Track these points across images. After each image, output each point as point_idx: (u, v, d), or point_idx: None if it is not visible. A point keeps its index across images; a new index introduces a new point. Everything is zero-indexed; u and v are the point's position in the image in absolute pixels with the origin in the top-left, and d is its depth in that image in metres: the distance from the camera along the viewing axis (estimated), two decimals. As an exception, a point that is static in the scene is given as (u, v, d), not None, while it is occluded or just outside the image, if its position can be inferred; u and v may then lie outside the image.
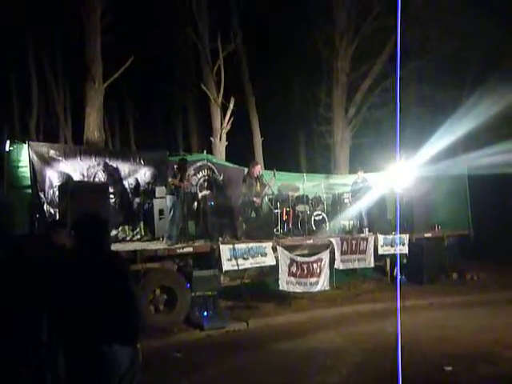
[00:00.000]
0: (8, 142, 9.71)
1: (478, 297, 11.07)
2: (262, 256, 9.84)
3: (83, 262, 3.57)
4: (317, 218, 11.70)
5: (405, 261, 12.30)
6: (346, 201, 12.52)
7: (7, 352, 4.07)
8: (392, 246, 11.85)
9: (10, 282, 4.05)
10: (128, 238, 10.71)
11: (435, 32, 16.44)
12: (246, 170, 11.71)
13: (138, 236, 10.95)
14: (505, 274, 13.01)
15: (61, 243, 4.74)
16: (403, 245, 12.03)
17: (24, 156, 9.85)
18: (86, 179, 10.44)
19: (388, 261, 12.49)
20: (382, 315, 9.06)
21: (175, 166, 9.73)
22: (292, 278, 10.18)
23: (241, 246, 9.59)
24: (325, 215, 11.89)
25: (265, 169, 12.86)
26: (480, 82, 15.75)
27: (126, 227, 10.76)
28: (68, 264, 3.68)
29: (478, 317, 9.14)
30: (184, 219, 9.80)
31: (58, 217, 9.11)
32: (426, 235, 12.75)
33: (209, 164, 12.44)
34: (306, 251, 10.86)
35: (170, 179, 9.60)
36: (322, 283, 10.64)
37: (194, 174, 12.02)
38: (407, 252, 12.12)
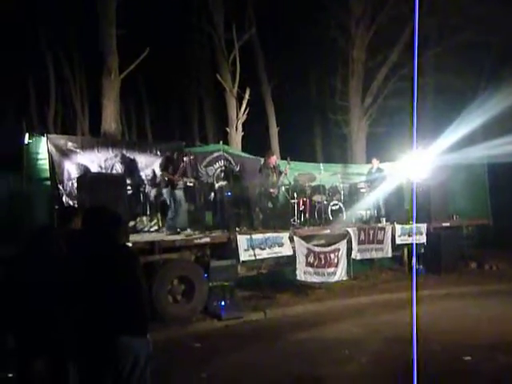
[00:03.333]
0: (27, 134, 9.81)
1: (496, 287, 10.97)
2: (278, 246, 9.84)
3: (91, 255, 3.60)
4: (334, 208, 11.66)
5: (422, 250, 12.22)
6: (363, 190, 12.47)
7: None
8: (410, 236, 11.75)
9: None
10: (146, 229, 10.77)
11: (453, 19, 16.20)
12: (262, 160, 11.71)
13: (156, 227, 11.00)
14: (524, 264, 12.89)
15: (76, 230, 4.78)
16: (421, 234, 11.95)
17: (42, 148, 9.94)
18: (103, 171, 10.52)
19: (406, 251, 12.43)
20: (399, 305, 9.00)
21: (165, 158, 9.81)
22: (309, 268, 10.18)
23: (258, 236, 9.60)
24: (342, 205, 11.85)
25: (281, 159, 12.83)
26: (498, 70, 15.51)
27: (144, 218, 10.82)
28: (75, 256, 3.73)
29: (496, 307, 9.05)
30: (201, 210, 9.86)
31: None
32: (444, 224, 12.63)
33: (225, 155, 12.45)
34: (322, 241, 10.82)
35: (161, 171, 9.69)
36: (340, 273, 10.61)
37: (211, 165, 12.07)
38: (425, 242, 12.03)
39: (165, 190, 9.85)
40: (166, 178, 9.66)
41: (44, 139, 9.97)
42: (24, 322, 4.00)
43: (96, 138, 12.03)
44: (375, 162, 12.95)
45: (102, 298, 3.46)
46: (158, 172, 11.17)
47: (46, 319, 3.92)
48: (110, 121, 12.18)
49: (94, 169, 10.45)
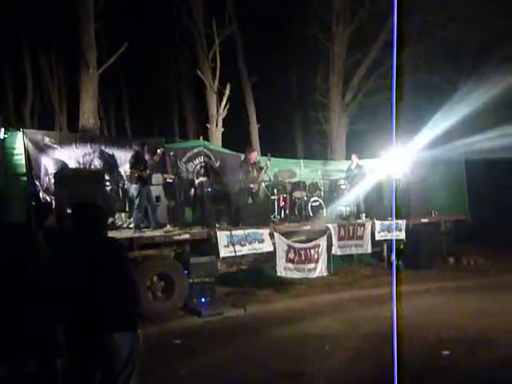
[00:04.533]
0: (2, 129, 9.63)
1: (474, 282, 11.10)
2: (259, 242, 9.82)
3: (82, 249, 3.55)
4: (314, 204, 11.69)
5: (402, 246, 12.31)
6: (343, 187, 12.52)
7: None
8: (389, 232, 11.84)
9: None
10: (124, 225, 10.68)
11: (432, 17, 16.32)
12: (242, 156, 11.68)
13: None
14: (502, 258, 13.06)
15: (50, 226, 4.71)
16: (400, 230, 12.04)
17: (19, 143, 9.76)
18: (81, 166, 10.39)
19: (385, 246, 12.51)
20: (379, 301, 9.07)
21: (132, 155, 9.68)
22: (289, 264, 10.18)
23: (238, 233, 9.57)
24: (322, 201, 11.89)
25: (261, 155, 12.81)
26: (477, 67, 15.70)
27: (123, 214, 10.72)
28: (66, 250, 3.66)
29: (475, 301, 9.15)
30: (181, 206, 9.78)
31: (54, 204, 9.07)
32: (423, 221, 12.76)
33: (205, 150, 12.39)
34: (303, 237, 10.83)
35: (129, 169, 9.57)
36: (320, 269, 10.64)
37: (191, 161, 11.98)
38: (404, 238, 12.13)
39: (134, 187, 9.61)
40: (136, 175, 9.50)
41: (20, 134, 9.80)
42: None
43: (74, 134, 11.86)
44: (354, 159, 13.02)
45: (95, 293, 3.41)
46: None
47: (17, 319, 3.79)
48: (89, 116, 12.04)
49: (72, 164, 10.30)
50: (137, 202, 9.50)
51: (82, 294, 3.43)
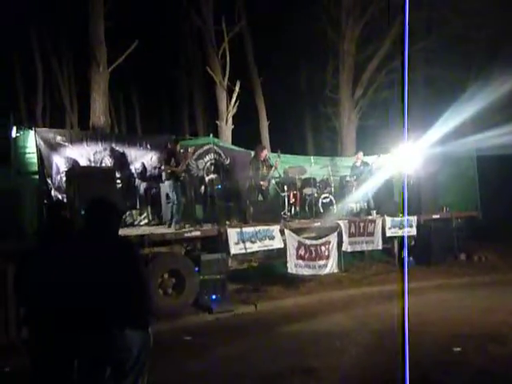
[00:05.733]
0: (14, 128, 9.71)
1: (485, 278, 11.06)
2: (269, 239, 9.84)
3: (95, 247, 3.56)
4: (324, 201, 11.67)
5: (413, 243, 12.27)
6: (354, 183, 12.49)
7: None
8: (400, 228, 11.80)
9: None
10: (135, 223, 10.75)
11: (443, 12, 16.21)
12: (252, 153, 11.68)
13: (146, 220, 10.99)
14: (513, 255, 12.99)
15: (64, 224, 4.73)
16: (411, 227, 12.00)
17: (31, 142, 9.85)
18: (92, 164, 10.44)
19: (396, 243, 12.46)
20: (389, 297, 9.03)
21: (166, 152, 9.71)
22: (300, 261, 10.19)
23: (248, 230, 9.59)
24: (332, 198, 11.86)
25: (271, 152, 12.80)
26: (488, 62, 15.56)
27: (134, 212, 10.78)
28: (77, 248, 3.67)
29: (485, 298, 9.12)
30: (191, 203, 9.81)
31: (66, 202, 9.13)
32: (434, 217, 12.71)
33: (215, 148, 12.39)
34: (313, 234, 10.83)
35: (163, 166, 9.61)
36: (331, 266, 10.64)
37: (201, 158, 12.00)
38: (415, 234, 12.08)
39: (167, 183, 9.68)
40: (169, 171, 9.54)
41: (32, 133, 9.88)
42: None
43: (85, 132, 11.92)
44: (359, 156, 12.97)
45: (104, 292, 3.42)
46: (149, 165, 11.16)
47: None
48: (99, 114, 12.08)
49: (83, 162, 10.36)
50: (174, 197, 9.54)
51: (92, 292, 3.44)
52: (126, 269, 3.49)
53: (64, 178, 9.68)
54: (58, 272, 3.58)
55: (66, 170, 9.86)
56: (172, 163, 9.48)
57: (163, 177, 9.83)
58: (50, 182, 9.91)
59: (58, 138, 10.21)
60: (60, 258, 3.65)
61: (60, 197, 9.74)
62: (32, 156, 9.85)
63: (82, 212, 3.94)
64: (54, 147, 10.06)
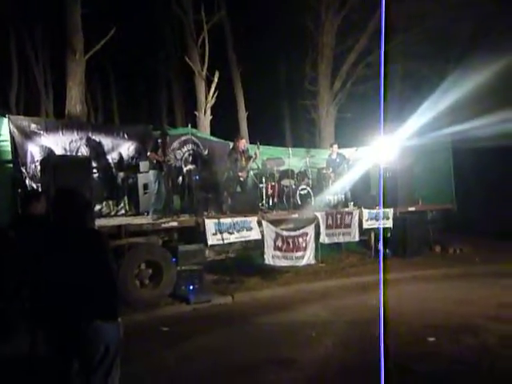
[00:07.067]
0: (-13, 115, 9.50)
1: (460, 270, 11.22)
2: (247, 230, 9.83)
3: (62, 237, 3.52)
4: (302, 193, 11.71)
5: (389, 235, 12.38)
6: (331, 176, 12.54)
7: None
8: (377, 220, 11.90)
9: None
10: (112, 213, 10.64)
11: (421, 6, 16.30)
12: (231, 144, 11.64)
13: (123, 211, 10.89)
14: (487, 247, 13.24)
15: (37, 214, 4.66)
16: (387, 219, 12.10)
17: (4, 130, 9.64)
18: (68, 153, 10.27)
19: (372, 235, 12.57)
20: (366, 288, 9.17)
21: (159, 140, 9.61)
22: (277, 252, 10.21)
23: (226, 221, 9.57)
24: (310, 190, 11.90)
25: (250, 143, 12.77)
26: (465, 56, 15.72)
27: (110, 202, 10.67)
28: (46, 238, 3.62)
29: (460, 289, 9.26)
30: (169, 193, 9.74)
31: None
32: (410, 209, 12.83)
33: (193, 138, 12.32)
34: (291, 225, 10.86)
35: (149, 153, 9.53)
36: (308, 257, 10.68)
37: (179, 149, 11.92)
38: (391, 226, 12.20)
39: (151, 173, 9.56)
40: (155, 160, 9.44)
41: (6, 120, 9.66)
42: None
43: (60, 120, 11.72)
44: (334, 149, 12.98)
45: (73, 283, 3.38)
46: (127, 155, 11.05)
47: None
48: (75, 103, 11.88)
49: (59, 151, 10.18)
50: (156, 187, 9.43)
51: (61, 282, 3.40)
52: (92, 258, 3.46)
53: (39, 167, 9.52)
54: (25, 261, 3.53)
55: (40, 158, 9.69)
56: (159, 153, 9.40)
57: (147, 166, 9.75)
58: (24, 170, 9.71)
59: (33, 126, 10.01)
60: (28, 247, 3.60)
61: (35, 186, 9.57)
62: (6, 144, 9.63)
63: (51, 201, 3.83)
64: (28, 135, 9.86)
